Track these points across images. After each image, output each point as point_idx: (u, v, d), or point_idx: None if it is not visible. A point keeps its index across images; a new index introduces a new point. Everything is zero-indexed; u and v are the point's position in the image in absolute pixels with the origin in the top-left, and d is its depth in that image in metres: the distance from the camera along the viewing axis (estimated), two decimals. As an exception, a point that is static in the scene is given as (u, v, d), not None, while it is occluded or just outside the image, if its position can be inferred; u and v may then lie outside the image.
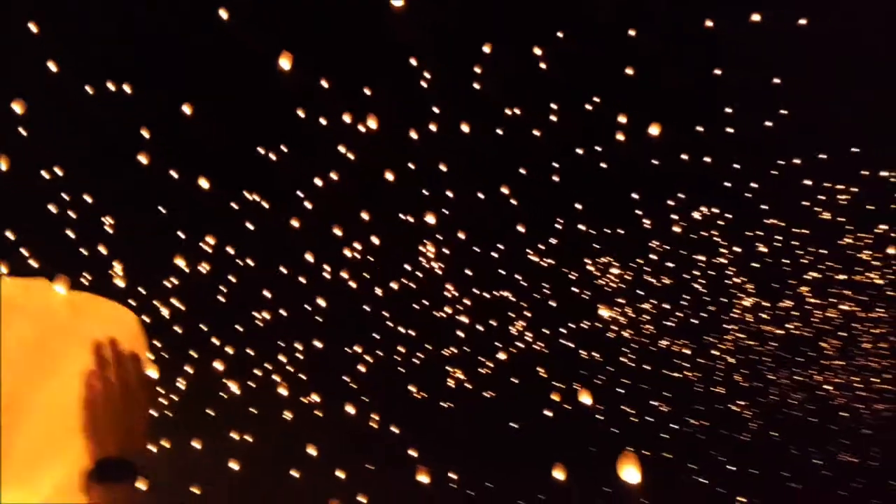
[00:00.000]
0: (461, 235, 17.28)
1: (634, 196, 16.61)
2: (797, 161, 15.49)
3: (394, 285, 18.29)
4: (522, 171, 15.57)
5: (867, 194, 15.95)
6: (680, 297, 20.91)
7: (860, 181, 15.66)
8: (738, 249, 18.71)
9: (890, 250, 17.22)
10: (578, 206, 16.22)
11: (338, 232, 17.25)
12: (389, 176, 15.94)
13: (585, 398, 12.18)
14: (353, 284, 18.84)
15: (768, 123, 14.68)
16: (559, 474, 15.50)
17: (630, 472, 9.69)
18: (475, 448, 24.48)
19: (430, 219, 17.35)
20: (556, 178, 15.51)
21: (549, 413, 19.55)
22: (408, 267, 18.03)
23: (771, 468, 30.40)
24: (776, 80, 15.20)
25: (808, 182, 16.06)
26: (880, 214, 16.90)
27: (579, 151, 15.07)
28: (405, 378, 21.76)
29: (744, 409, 25.84)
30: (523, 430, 21.96)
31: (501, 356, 21.73)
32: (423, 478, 17.13)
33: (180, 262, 16.39)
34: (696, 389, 25.42)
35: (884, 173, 16.54)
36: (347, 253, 17.46)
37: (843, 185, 16.10)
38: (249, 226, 17.49)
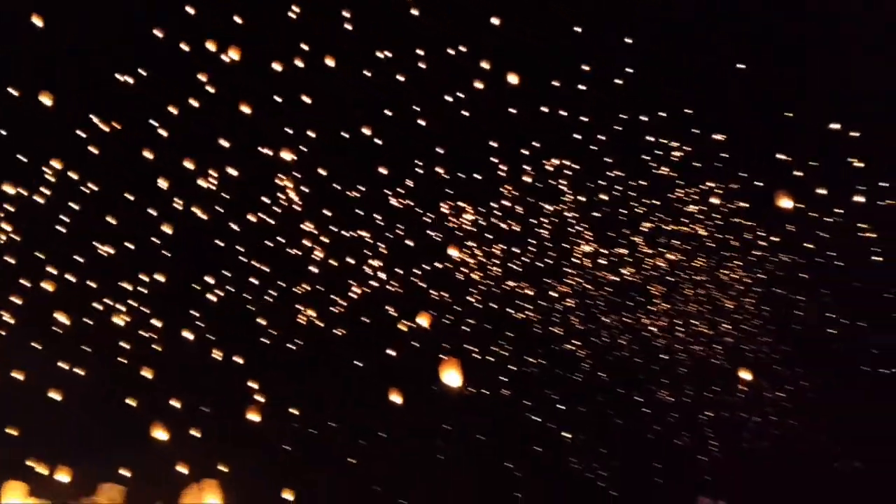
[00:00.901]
0: (322, 172, 17.83)
1: (493, 143, 17.79)
2: (643, 118, 17.23)
3: (250, 218, 18.55)
4: (388, 112, 16.28)
5: (697, 153, 18.05)
6: (526, 241, 22.54)
7: (692, 140, 17.63)
8: (582, 198, 20.47)
9: (713, 199, 19.57)
10: (440, 149, 17.19)
11: (189, 165, 17.31)
12: (246, 109, 16.18)
13: (423, 320, 12.85)
14: (204, 216, 18.91)
15: (618, 81, 16.28)
16: (396, 398, 16.79)
17: (451, 376, 11.08)
18: (320, 386, 25.34)
19: (287, 155, 17.79)
20: (420, 122, 16.35)
21: (393, 352, 20.72)
22: (266, 200, 18.33)
23: (597, 406, 33.51)
24: (628, 40, 16.81)
25: (649, 138, 17.93)
26: (707, 171, 19.15)
27: (446, 98, 15.97)
28: (254, 314, 22.15)
29: (578, 349, 28.33)
30: (367, 367, 22.95)
31: (354, 294, 22.59)
32: (254, 416, 17.87)
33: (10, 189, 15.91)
34: (535, 330, 27.56)
35: (716, 136, 18.77)
36: (202, 183, 17.54)
37: (677, 142, 18.10)
38: (95, 151, 17.12)
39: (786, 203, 13.25)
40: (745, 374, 28.36)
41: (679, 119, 17.05)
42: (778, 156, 18.21)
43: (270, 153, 17.61)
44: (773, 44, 17.99)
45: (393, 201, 19.45)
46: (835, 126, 17.72)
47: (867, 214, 19.42)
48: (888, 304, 23.67)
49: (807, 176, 19.13)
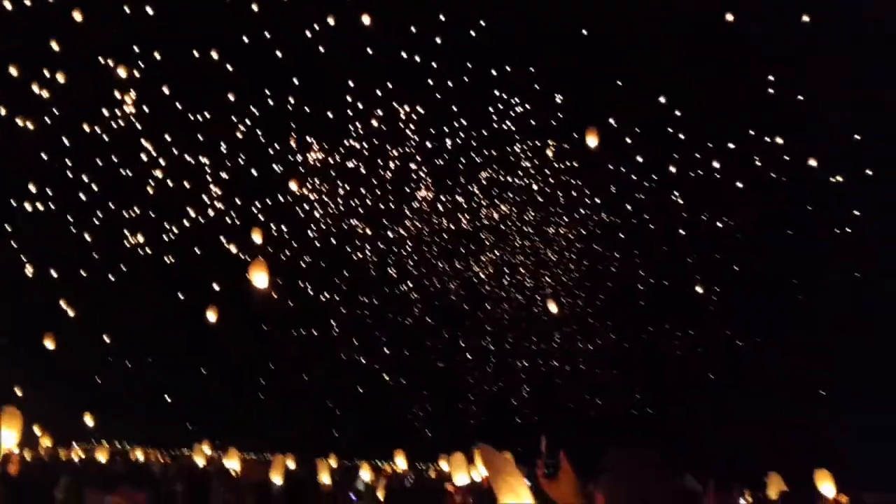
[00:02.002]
0: (165, 90, 17.60)
1: (351, 84, 18.27)
2: (493, 72, 18.36)
3: (84, 130, 17.95)
4: (245, 39, 16.34)
5: (536, 109, 19.51)
6: (370, 182, 23.26)
7: (533, 97, 19.01)
8: (428, 144, 21.43)
9: (548, 152, 21.19)
10: (296, 80, 17.45)
11: (14, 72, 16.59)
12: (78, 15, 15.73)
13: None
14: (31, 126, 18.16)
15: (472, 34, 17.22)
16: (212, 315, 17.28)
17: (259, 278, 11.97)
18: (135, 315, 24.87)
19: (122, 72, 17.44)
20: (277, 53, 16.54)
21: (216, 286, 20.78)
22: (105, 112, 17.80)
23: (421, 350, 35.12)
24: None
25: (496, 92, 19.13)
26: (545, 128, 20.68)
27: (307, 33, 16.24)
28: (79, 234, 21.56)
29: (410, 292, 29.61)
30: (189, 299, 22.78)
31: (188, 223, 22.40)
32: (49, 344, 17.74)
33: None
34: (370, 271, 28.50)
35: (556, 96, 20.22)
36: (35, 89, 16.82)
37: (519, 98, 19.45)
38: None
39: (592, 140, 14.47)
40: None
41: (523, 75, 18.28)
42: (610, 120, 19.92)
43: (110, 65, 17.12)
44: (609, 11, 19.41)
45: (234, 127, 19.43)
46: (661, 99, 19.60)
47: (680, 182, 21.73)
48: (696, 265, 26.68)
49: (633, 143, 21.02)
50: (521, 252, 26.90)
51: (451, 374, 35.27)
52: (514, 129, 20.64)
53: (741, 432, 26.38)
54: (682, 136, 20.55)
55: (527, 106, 20.01)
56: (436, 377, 35.35)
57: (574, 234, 26.03)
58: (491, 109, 19.64)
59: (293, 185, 22.12)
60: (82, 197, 19.81)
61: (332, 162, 21.73)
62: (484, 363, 34.95)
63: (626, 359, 31.60)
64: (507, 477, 4.48)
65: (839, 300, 23.30)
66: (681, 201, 21.95)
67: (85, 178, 19.35)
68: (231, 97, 17.63)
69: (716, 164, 20.33)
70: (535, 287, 29.04)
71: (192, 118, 18.62)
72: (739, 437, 25.97)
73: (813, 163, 18.41)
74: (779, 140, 18.42)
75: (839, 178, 19.16)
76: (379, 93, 18.84)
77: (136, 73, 17.73)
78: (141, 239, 22.93)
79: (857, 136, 18.94)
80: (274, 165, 21.42)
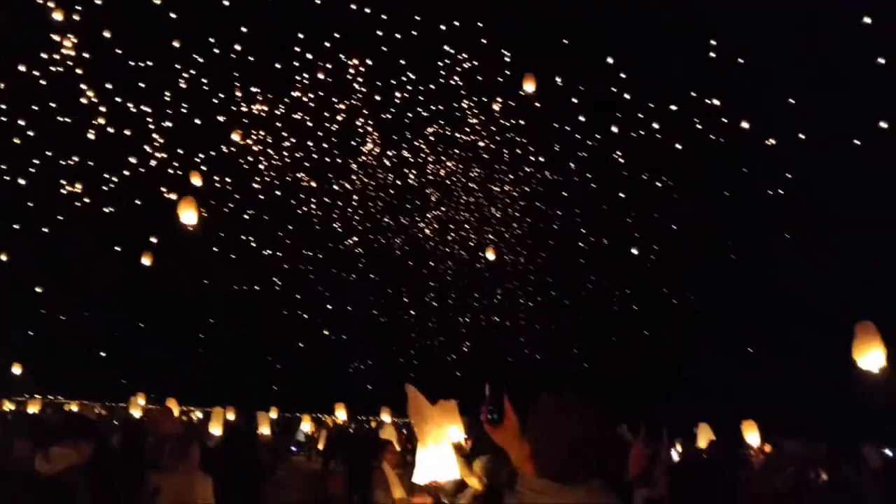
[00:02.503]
0: (106, 35, 17.26)
1: (300, 35, 18.15)
2: (442, 27, 18.48)
3: (22, 70, 17.45)
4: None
5: (483, 65, 19.74)
6: (315, 135, 23.22)
7: (481, 53, 19.22)
8: (377, 97, 21.47)
9: (495, 106, 21.48)
10: (244, 28, 17.28)
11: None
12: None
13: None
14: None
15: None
16: (146, 260, 17.39)
17: (187, 216, 12.08)
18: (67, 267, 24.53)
19: (59, 15, 17.04)
20: (224, 2, 16.34)
21: (155, 239, 20.62)
22: (44, 55, 17.34)
23: (365, 306, 35.49)
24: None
25: (446, 48, 19.26)
26: (494, 86, 20.94)
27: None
28: (13, 181, 21.11)
29: (354, 247, 29.80)
30: (126, 252, 22.54)
31: (128, 172, 22.06)
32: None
33: None
34: (315, 226, 28.52)
35: (505, 53, 20.42)
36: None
37: (467, 54, 19.63)
38: None
39: (529, 86, 14.76)
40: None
41: (472, 31, 18.45)
42: (556, 79, 20.29)
43: (49, 6, 16.67)
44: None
45: (184, 76, 19.18)
46: (609, 60, 20.04)
47: (621, 142, 22.32)
48: (634, 225, 27.49)
49: (580, 102, 21.46)
50: (466, 209, 27.26)
51: (393, 329, 35.79)
52: (461, 84, 20.86)
53: (674, 386, 27.60)
54: (626, 97, 21.04)
55: (474, 62, 20.23)
56: (378, 332, 35.82)
57: (518, 192, 26.48)
58: (440, 64, 19.80)
59: (237, 136, 21.99)
60: (17, 142, 19.37)
61: (277, 113, 21.61)
62: (427, 319, 35.55)
63: (565, 315, 32.57)
64: (428, 423, 4.77)
65: (770, 259, 24.40)
66: (622, 161, 22.57)
67: (21, 123, 18.92)
68: (175, 44, 17.40)
69: (656, 126, 20.94)
70: (479, 244, 29.47)
71: (133, 65, 18.30)
72: (672, 390, 27.17)
73: (745, 125, 19.16)
74: (716, 102, 19.07)
75: (772, 141, 19.97)
76: (327, 44, 18.81)
77: (76, 17, 17.32)
78: (79, 188, 22.58)
79: (791, 101, 19.75)
80: (218, 116, 21.24)
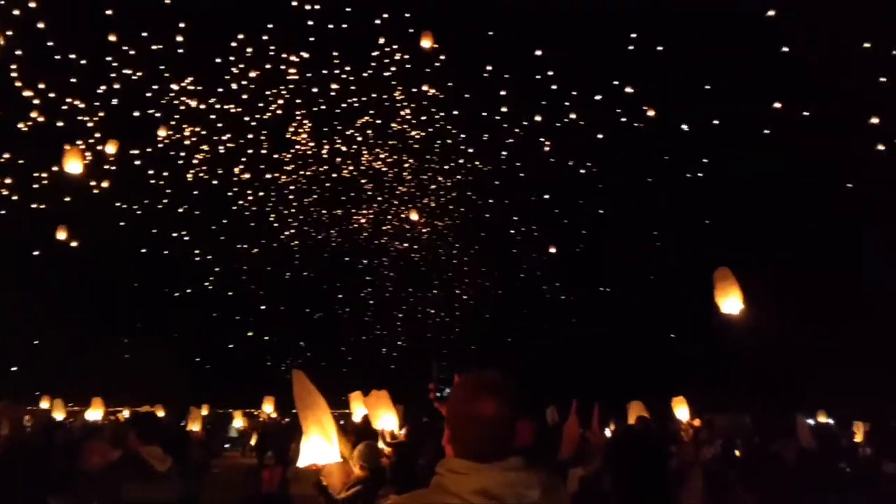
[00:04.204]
0: (40, 26, 17.45)
1: (235, 27, 18.52)
2: (384, 15, 19.07)
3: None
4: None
5: (416, 59, 20.48)
6: (246, 129, 23.62)
7: (414, 46, 19.85)
8: (315, 90, 21.94)
9: (426, 105, 22.39)
10: (182, 24, 17.63)
11: None
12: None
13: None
14: None
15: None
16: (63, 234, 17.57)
17: (72, 165, 12.81)
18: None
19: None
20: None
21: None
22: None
23: (299, 303, 35.82)
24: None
25: (381, 40, 19.99)
26: (423, 77, 21.73)
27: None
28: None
29: (290, 241, 30.18)
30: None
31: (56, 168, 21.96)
32: None
33: None
34: (249, 223, 28.82)
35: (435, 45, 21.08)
36: None
37: (398, 45, 20.36)
38: None
39: (426, 42, 15.41)
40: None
41: (402, 23, 19.12)
42: (487, 67, 21.24)
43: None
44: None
45: (114, 67, 19.32)
46: (538, 52, 21.07)
47: (548, 131, 23.45)
48: (564, 214, 28.72)
49: (508, 92, 22.42)
50: (399, 200, 27.92)
51: (329, 324, 36.13)
52: (393, 76, 21.61)
53: (606, 365, 28.92)
54: (555, 86, 22.05)
55: (406, 55, 20.98)
56: (314, 327, 36.11)
57: (450, 182, 27.31)
58: (374, 54, 20.52)
59: (170, 130, 22.24)
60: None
61: (212, 107, 21.97)
62: (363, 314, 36.03)
63: (501, 304, 33.60)
64: (313, 408, 5.04)
65: (691, 241, 25.86)
66: (548, 147, 23.72)
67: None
68: (112, 38, 17.72)
69: (573, 116, 22.12)
70: (413, 235, 30.21)
71: (68, 58, 18.51)
72: (605, 369, 28.48)
73: (651, 113, 20.58)
74: (629, 89, 20.36)
75: (686, 127, 21.40)
76: (266, 37, 19.28)
77: (8, 10, 17.51)
78: (9, 180, 22.50)
79: (707, 87, 21.21)
80: (151, 110, 21.51)
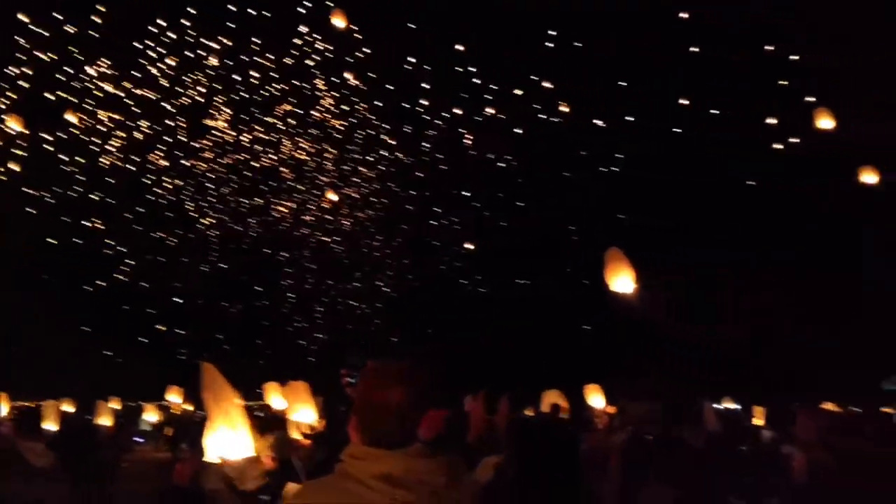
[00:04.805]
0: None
1: (155, 13, 18.15)
2: (307, 3, 18.97)
3: None
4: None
5: (337, 46, 20.52)
6: (164, 115, 23.16)
7: (336, 36, 19.86)
8: (235, 77, 21.71)
9: (347, 87, 22.29)
10: (99, 6, 17.18)
11: None
12: None
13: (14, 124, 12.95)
14: None
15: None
16: None
17: None
18: None
19: None
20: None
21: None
22: None
23: (217, 294, 35.21)
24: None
25: (303, 29, 19.93)
26: (346, 66, 21.75)
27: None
28: None
29: (208, 230, 29.62)
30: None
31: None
32: None
33: None
34: (165, 212, 28.19)
35: (357, 35, 21.05)
36: None
37: (320, 35, 20.33)
38: None
39: (338, 22, 15.53)
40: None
41: (324, 11, 19.03)
42: (409, 59, 21.39)
43: None
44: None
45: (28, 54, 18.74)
46: (458, 47, 21.32)
47: (468, 123, 23.76)
48: (485, 203, 29.00)
49: (431, 87, 22.62)
50: (320, 189, 27.72)
51: (247, 316, 35.58)
52: (315, 64, 21.56)
53: (526, 355, 29.39)
54: (477, 81, 22.37)
55: (328, 46, 20.96)
56: (231, 320, 35.53)
57: (373, 174, 27.30)
58: (295, 42, 20.43)
59: (70, 116, 21.57)
60: None
61: (124, 91, 21.46)
62: (281, 304, 35.61)
63: (421, 296, 33.75)
64: (221, 401, 5.07)
65: (606, 234, 26.53)
66: (470, 140, 24.04)
67: None
68: (23, 18, 17.17)
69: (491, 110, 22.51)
70: (334, 225, 30.05)
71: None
72: (524, 359, 28.94)
73: (565, 109, 21.14)
74: (549, 84, 20.85)
75: (602, 123, 22.05)
76: (186, 22, 18.97)
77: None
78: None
79: (622, 83, 21.88)
80: (62, 93, 20.87)
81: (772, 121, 19.77)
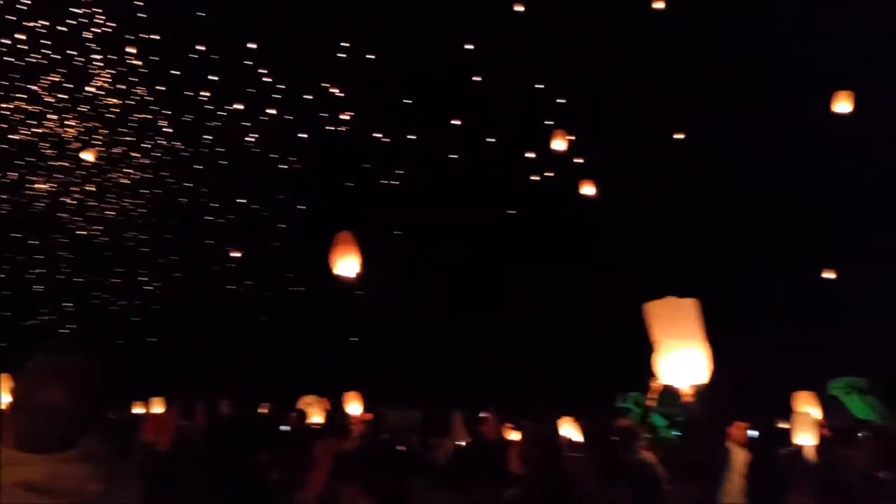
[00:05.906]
0: None
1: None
2: None
3: None
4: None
5: (118, 22, 19.86)
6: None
7: (121, 11, 19.31)
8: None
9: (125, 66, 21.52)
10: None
11: None
12: None
13: None
14: None
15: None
16: None
17: None
18: None
19: None
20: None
21: None
22: None
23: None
24: None
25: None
26: (128, 43, 21.02)
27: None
28: None
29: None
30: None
31: None
32: None
33: None
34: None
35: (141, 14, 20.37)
36: None
37: (101, 8, 19.55)
38: None
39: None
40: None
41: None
42: (198, 47, 21.11)
43: None
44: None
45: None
46: (251, 45, 21.39)
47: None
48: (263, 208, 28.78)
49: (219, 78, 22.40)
50: (87, 171, 26.17)
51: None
52: (94, 37, 20.62)
53: (286, 362, 29.29)
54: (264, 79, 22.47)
55: (108, 19, 20.19)
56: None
57: (146, 161, 26.21)
58: (76, 11, 19.44)
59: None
60: None
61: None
62: (27, 295, 32.91)
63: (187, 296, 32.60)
64: None
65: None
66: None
67: None
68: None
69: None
70: (100, 211, 28.44)
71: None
72: (284, 365, 28.82)
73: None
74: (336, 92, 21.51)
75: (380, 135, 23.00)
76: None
77: None
78: None
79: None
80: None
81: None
